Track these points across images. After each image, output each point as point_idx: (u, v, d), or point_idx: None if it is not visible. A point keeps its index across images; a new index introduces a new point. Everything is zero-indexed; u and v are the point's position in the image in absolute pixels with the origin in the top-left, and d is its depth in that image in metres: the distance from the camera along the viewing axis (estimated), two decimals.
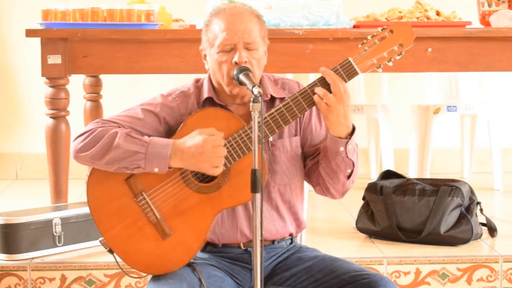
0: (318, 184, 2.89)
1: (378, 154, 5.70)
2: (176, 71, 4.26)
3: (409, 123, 5.64)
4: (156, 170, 2.75)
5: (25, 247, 3.65)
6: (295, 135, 2.91)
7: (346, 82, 2.74)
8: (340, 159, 2.78)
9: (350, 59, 2.76)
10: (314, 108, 2.88)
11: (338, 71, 2.75)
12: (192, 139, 2.73)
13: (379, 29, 2.79)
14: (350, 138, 2.76)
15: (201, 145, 2.71)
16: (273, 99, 2.90)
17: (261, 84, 2.88)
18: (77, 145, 2.81)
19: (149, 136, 2.83)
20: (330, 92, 2.71)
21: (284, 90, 2.92)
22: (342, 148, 2.75)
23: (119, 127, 2.81)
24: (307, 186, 3.02)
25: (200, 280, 2.75)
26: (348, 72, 2.75)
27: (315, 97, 2.73)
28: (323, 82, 2.74)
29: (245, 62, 2.77)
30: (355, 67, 2.76)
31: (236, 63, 2.77)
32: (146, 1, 4.52)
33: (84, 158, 2.80)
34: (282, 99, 2.87)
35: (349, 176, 2.83)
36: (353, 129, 2.76)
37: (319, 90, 2.72)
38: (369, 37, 2.78)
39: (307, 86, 2.77)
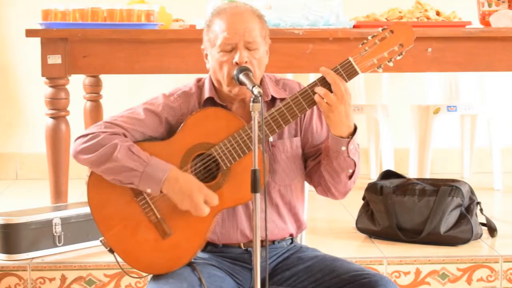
0: (320, 185, 2.88)
1: (378, 154, 5.70)
2: (176, 71, 4.26)
3: (409, 123, 5.64)
4: (148, 191, 2.75)
5: (25, 247, 3.65)
6: (295, 136, 2.91)
7: (346, 82, 2.74)
8: (341, 158, 2.78)
9: (351, 59, 2.76)
10: (315, 109, 2.88)
11: (339, 71, 2.74)
12: (193, 179, 2.74)
13: (380, 29, 2.79)
14: (351, 138, 2.75)
15: (196, 191, 2.72)
16: (274, 99, 2.89)
17: (262, 84, 2.88)
18: (77, 146, 2.81)
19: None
20: (331, 91, 2.71)
21: (285, 91, 2.92)
22: (343, 148, 2.75)
23: (123, 132, 2.81)
24: (307, 186, 3.02)
25: (200, 279, 2.75)
26: (349, 72, 2.75)
27: (316, 97, 2.72)
28: (323, 82, 2.73)
29: (246, 62, 2.77)
30: (355, 67, 2.75)
31: (236, 63, 2.77)
32: (146, 1, 4.52)
33: (83, 161, 2.81)
34: (283, 99, 2.87)
35: (350, 176, 2.83)
36: (355, 128, 2.77)
37: (319, 89, 2.72)
38: (369, 37, 2.77)
39: (308, 86, 2.77)
